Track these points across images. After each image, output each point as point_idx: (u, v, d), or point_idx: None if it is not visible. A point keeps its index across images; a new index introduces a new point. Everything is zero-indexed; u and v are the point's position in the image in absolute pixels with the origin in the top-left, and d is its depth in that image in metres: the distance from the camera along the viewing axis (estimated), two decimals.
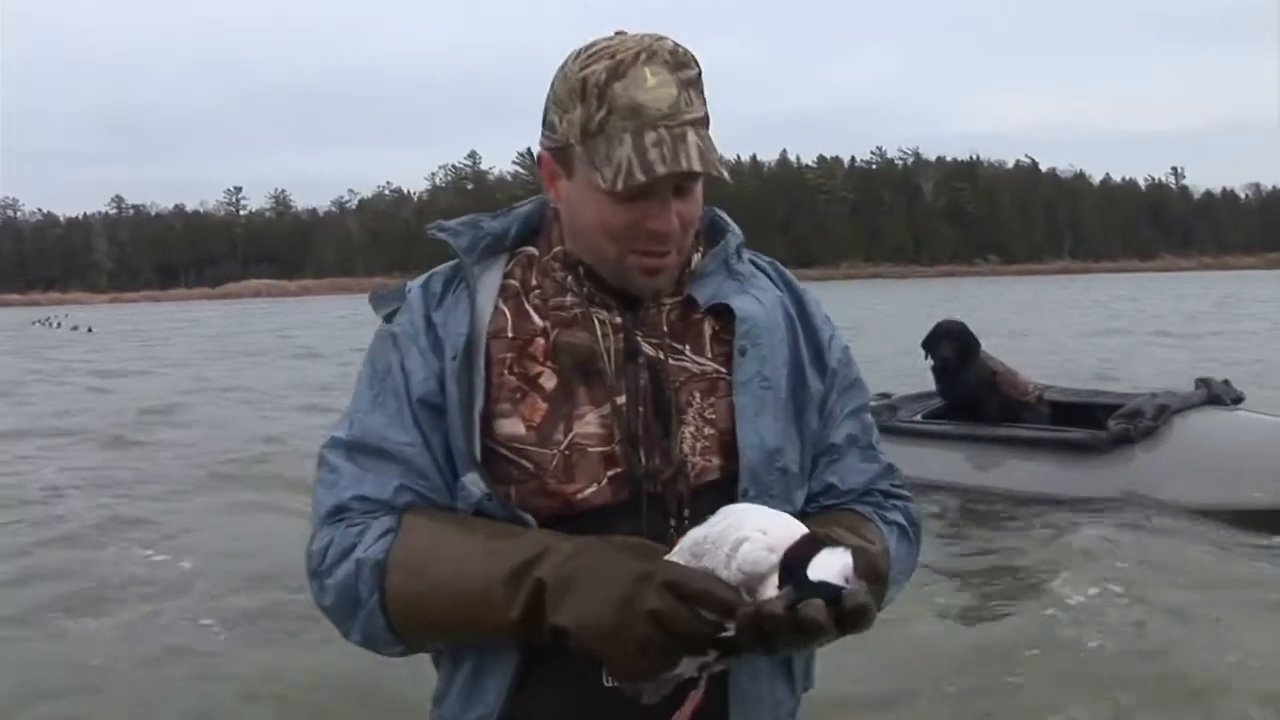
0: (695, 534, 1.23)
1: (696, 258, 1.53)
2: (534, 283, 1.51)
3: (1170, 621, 5.51)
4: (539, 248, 1.53)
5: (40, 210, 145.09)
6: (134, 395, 17.97)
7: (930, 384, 9.21)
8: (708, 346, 1.49)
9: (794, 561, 1.13)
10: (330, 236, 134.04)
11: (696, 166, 1.35)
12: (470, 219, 1.54)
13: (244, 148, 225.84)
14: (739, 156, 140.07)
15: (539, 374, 1.45)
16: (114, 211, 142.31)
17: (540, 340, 1.46)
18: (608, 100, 1.35)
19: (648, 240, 1.41)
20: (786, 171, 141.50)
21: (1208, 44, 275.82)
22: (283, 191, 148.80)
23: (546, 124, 1.44)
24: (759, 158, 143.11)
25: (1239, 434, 7.71)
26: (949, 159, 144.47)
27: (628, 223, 1.40)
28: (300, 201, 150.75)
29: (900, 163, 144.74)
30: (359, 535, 1.41)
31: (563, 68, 1.41)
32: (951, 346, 8.57)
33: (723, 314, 1.50)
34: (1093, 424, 8.36)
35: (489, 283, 1.49)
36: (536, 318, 1.48)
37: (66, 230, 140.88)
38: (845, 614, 1.11)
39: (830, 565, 1.12)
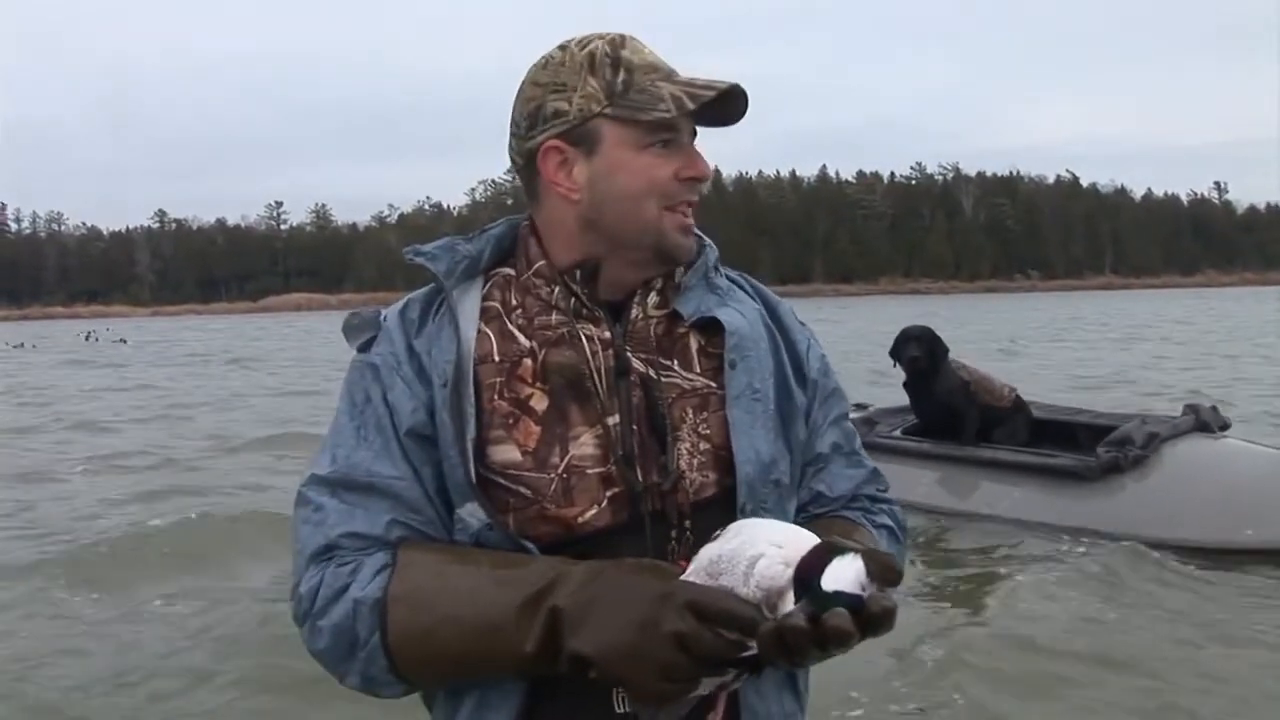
0: (709, 552, 1.22)
1: (679, 271, 1.51)
2: (514, 302, 1.48)
3: (1147, 658, 5.33)
4: (516, 267, 1.50)
5: (84, 224, 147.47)
6: None
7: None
8: (695, 361, 1.48)
9: (808, 573, 1.12)
10: (371, 251, 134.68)
11: (740, 87, 1.41)
12: (446, 242, 1.51)
13: (285, 163, 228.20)
14: (778, 172, 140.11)
15: (529, 396, 1.42)
16: (156, 225, 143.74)
17: (528, 361, 1.43)
18: (623, 64, 1.41)
19: (688, 189, 1.44)
20: (826, 187, 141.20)
21: (1252, 56, 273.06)
22: (323, 206, 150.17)
23: (545, 116, 1.43)
24: (798, 173, 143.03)
25: (1229, 466, 7.42)
26: (989, 174, 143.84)
27: (672, 172, 1.42)
28: (340, 216, 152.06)
29: (940, 178, 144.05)
30: (352, 574, 1.36)
31: (542, 69, 1.45)
32: (919, 347, 8.34)
33: (706, 328, 1.49)
34: (1071, 443, 8.25)
35: (469, 306, 1.46)
36: (522, 338, 1.45)
37: (110, 244, 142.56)
38: (869, 620, 1.10)
39: (844, 574, 1.10)
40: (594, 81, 1.40)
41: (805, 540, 1.17)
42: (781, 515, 1.45)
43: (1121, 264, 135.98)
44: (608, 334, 1.45)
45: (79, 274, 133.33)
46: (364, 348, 1.47)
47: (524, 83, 1.46)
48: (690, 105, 1.39)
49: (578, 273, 1.46)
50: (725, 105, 1.43)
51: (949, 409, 8.36)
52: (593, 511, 1.39)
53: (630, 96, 1.40)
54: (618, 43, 1.43)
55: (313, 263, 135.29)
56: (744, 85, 1.42)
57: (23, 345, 45.41)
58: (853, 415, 6.88)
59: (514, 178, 1.46)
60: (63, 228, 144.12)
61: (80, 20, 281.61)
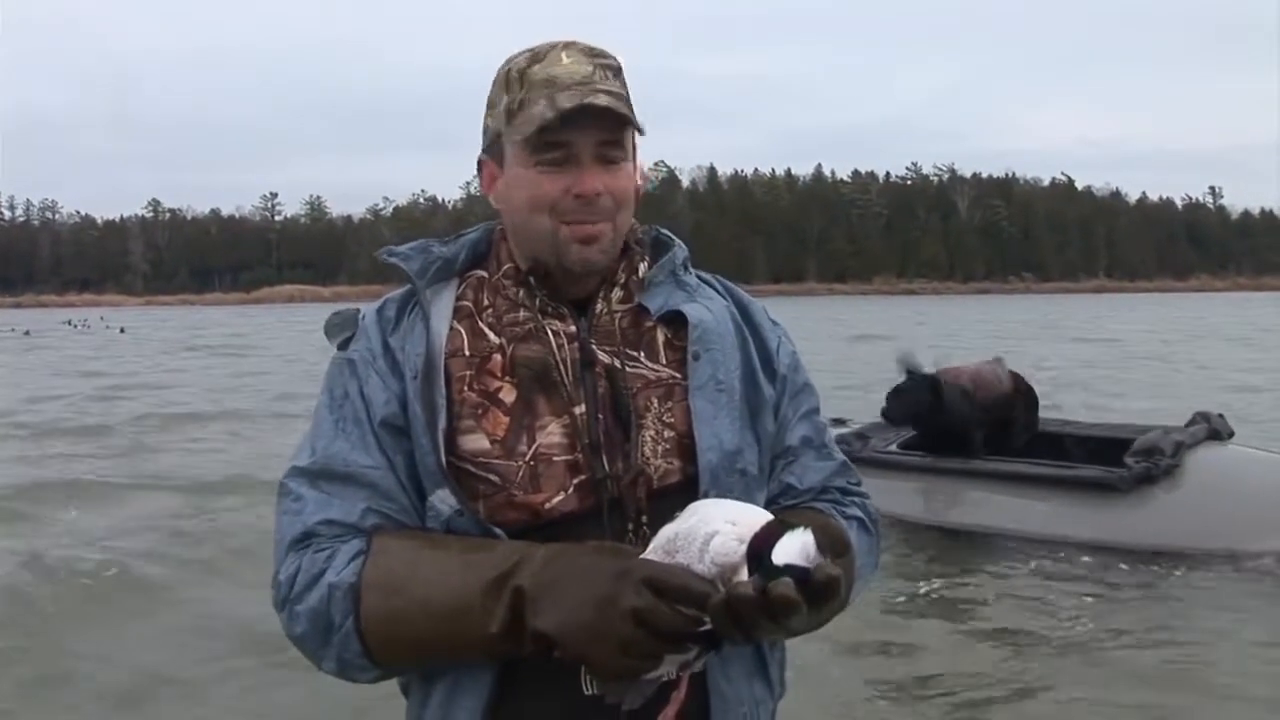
0: (666, 531, 1.26)
1: (644, 267, 1.58)
2: (486, 302, 1.54)
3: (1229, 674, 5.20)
4: (488, 269, 1.57)
5: (78, 212, 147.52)
6: None
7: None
8: (661, 353, 1.52)
9: (759, 548, 1.15)
10: (365, 243, 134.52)
11: (601, 102, 1.41)
12: (420, 244, 1.58)
13: (280, 154, 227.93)
14: (774, 171, 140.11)
15: (498, 389, 1.47)
16: (151, 215, 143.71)
17: (497, 356, 1.48)
18: (526, 80, 1.45)
19: (577, 207, 1.45)
20: (821, 186, 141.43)
21: (1249, 61, 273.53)
22: (318, 198, 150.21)
23: (484, 130, 1.53)
24: (793, 171, 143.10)
25: (1255, 474, 7.27)
26: (984, 175, 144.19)
27: (559, 190, 1.44)
28: (335, 208, 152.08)
29: (935, 179, 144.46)
30: (328, 560, 1.40)
31: (493, 84, 1.51)
32: (919, 414, 7.94)
33: (673, 322, 1.54)
34: (1060, 453, 8.10)
35: (442, 305, 1.52)
36: (492, 335, 1.50)
37: (103, 232, 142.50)
38: (815, 589, 1.13)
39: (792, 547, 1.13)
40: (506, 99, 1.47)
41: (758, 517, 1.21)
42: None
43: (1116, 268, 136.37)
44: (573, 328, 1.50)
45: (72, 263, 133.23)
46: (343, 345, 1.53)
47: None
48: (549, 115, 1.41)
49: (529, 276, 1.53)
50: (601, 116, 1.44)
51: (956, 426, 7.95)
52: (559, 498, 1.43)
53: (519, 115, 1.45)
54: (538, 56, 1.46)
55: (307, 254, 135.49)
56: (608, 101, 1.42)
57: (29, 332, 45.38)
58: (843, 430, 6.67)
59: None
60: (56, 216, 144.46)
61: (76, 9, 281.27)
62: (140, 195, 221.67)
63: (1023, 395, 8.38)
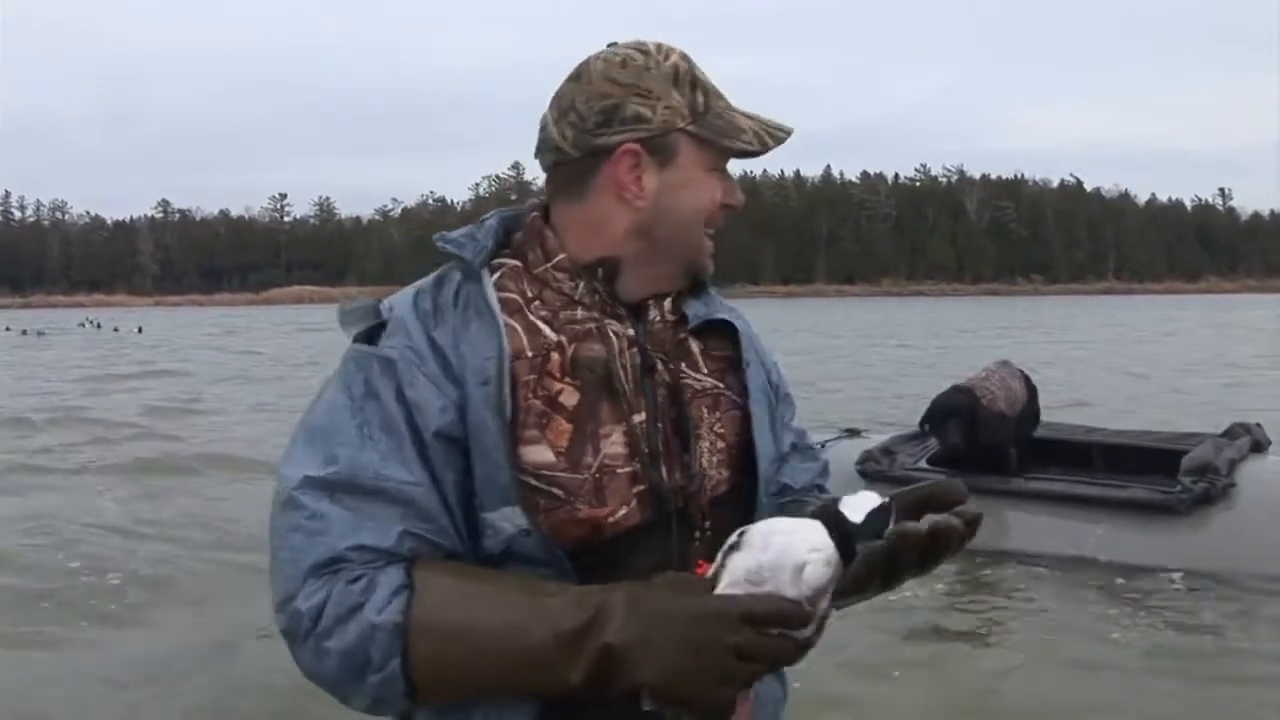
0: (744, 563, 1.24)
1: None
2: (530, 294, 1.43)
3: None
4: (526, 259, 1.45)
5: (88, 213, 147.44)
6: None
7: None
8: (701, 363, 1.50)
9: (839, 529, 1.21)
10: (374, 244, 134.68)
11: (789, 128, 1.47)
12: (468, 230, 1.46)
13: (289, 156, 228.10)
14: (782, 172, 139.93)
15: (559, 392, 1.37)
16: (160, 215, 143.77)
17: (555, 355, 1.38)
18: (700, 85, 1.42)
19: (725, 215, 1.48)
20: (830, 187, 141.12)
21: (1258, 62, 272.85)
22: (327, 199, 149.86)
23: (624, 118, 1.39)
24: (802, 173, 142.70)
25: None
26: (993, 177, 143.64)
27: (724, 197, 1.46)
28: (344, 209, 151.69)
29: (944, 180, 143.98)
30: (364, 593, 1.27)
31: (620, 67, 1.41)
32: (959, 428, 7.56)
33: (702, 333, 1.51)
34: (1087, 465, 7.89)
35: (491, 298, 1.40)
36: (548, 331, 1.40)
37: (113, 233, 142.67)
38: (967, 521, 1.26)
39: (858, 504, 1.22)
40: (677, 95, 1.40)
41: (823, 532, 1.22)
42: (771, 511, 1.50)
43: (1124, 269, 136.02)
44: (631, 332, 1.43)
45: (81, 263, 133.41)
46: (362, 338, 1.38)
47: (592, 75, 1.42)
48: (771, 145, 1.44)
49: (599, 270, 1.44)
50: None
51: (994, 442, 7.61)
52: (623, 511, 1.37)
53: (709, 119, 1.41)
54: (689, 60, 1.44)
55: (315, 255, 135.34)
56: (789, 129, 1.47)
57: (43, 333, 45.34)
58: (868, 446, 6.74)
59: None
60: (66, 216, 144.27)
61: (86, 10, 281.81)
62: (149, 196, 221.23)
63: (1031, 393, 8.14)
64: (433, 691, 1.29)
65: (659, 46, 1.43)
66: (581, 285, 1.43)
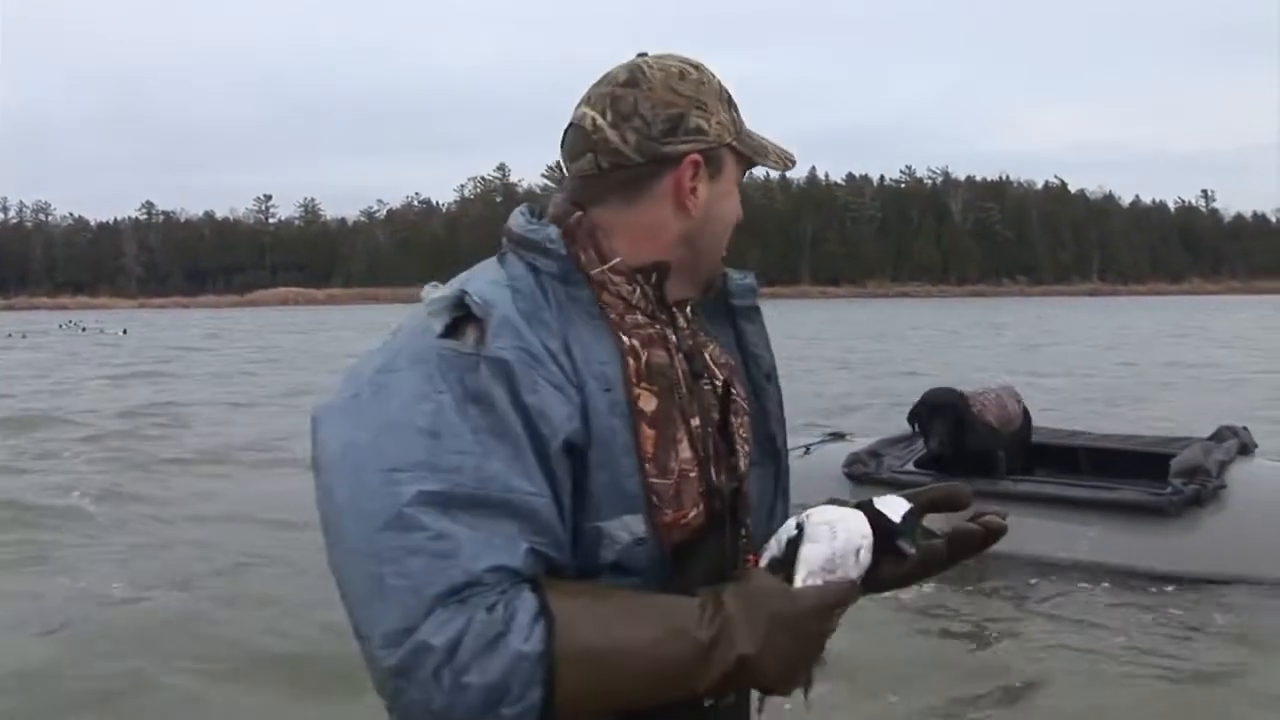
0: (819, 554, 1.32)
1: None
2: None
3: None
4: (579, 261, 1.39)
5: (71, 214, 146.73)
6: None
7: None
8: (715, 369, 1.53)
9: (881, 527, 1.35)
10: (359, 246, 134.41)
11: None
12: (533, 227, 1.42)
13: (274, 157, 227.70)
14: (767, 174, 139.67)
15: (639, 397, 1.35)
16: (144, 217, 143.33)
17: (632, 360, 1.36)
18: (734, 105, 1.46)
19: (733, 230, 1.52)
20: (815, 189, 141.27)
21: (1241, 64, 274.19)
22: (312, 200, 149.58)
23: (688, 128, 1.40)
24: (787, 175, 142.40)
25: None
26: (978, 178, 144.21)
27: (739, 212, 1.51)
28: (329, 211, 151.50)
29: (929, 182, 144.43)
30: (506, 621, 1.18)
31: (679, 79, 1.41)
32: (945, 426, 7.54)
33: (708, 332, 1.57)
34: (1074, 468, 7.89)
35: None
36: (624, 337, 1.38)
37: (97, 235, 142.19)
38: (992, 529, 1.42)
39: (892, 507, 1.37)
40: (724, 113, 1.43)
41: (865, 520, 1.35)
42: None
43: (1109, 270, 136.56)
44: (674, 337, 1.44)
45: (65, 265, 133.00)
46: (447, 333, 1.29)
47: (653, 84, 1.39)
48: (789, 168, 1.54)
49: (654, 274, 1.43)
50: None
51: (981, 445, 7.56)
52: (694, 513, 1.38)
53: (744, 139, 1.46)
54: (723, 82, 1.48)
55: (300, 257, 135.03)
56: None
57: (25, 335, 45.21)
58: (854, 449, 6.74)
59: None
60: (49, 218, 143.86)
61: (71, 10, 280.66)
62: (134, 197, 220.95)
63: (1026, 419, 8.08)
64: (561, 715, 1.21)
65: (698, 63, 1.46)
66: (638, 290, 1.42)
